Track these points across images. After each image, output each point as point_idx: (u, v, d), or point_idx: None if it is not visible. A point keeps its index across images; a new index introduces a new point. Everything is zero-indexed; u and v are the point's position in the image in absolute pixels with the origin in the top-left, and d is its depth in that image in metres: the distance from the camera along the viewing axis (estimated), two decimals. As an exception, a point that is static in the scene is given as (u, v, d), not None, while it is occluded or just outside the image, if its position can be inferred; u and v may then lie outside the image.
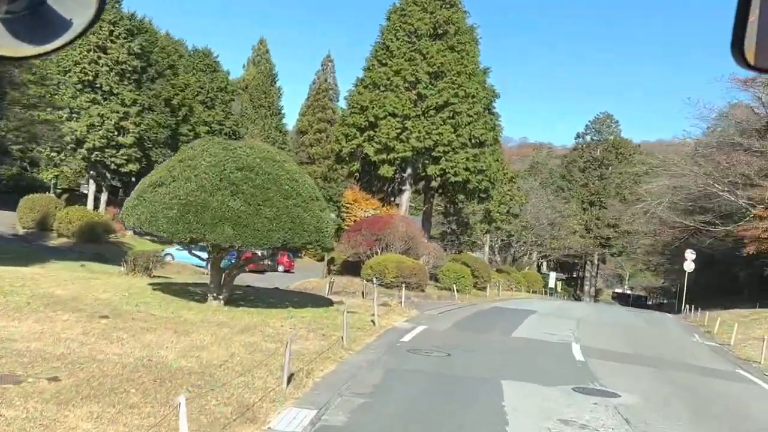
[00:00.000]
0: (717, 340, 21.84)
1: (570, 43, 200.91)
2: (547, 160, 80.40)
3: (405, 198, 33.69)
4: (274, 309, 17.18)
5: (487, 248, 46.45)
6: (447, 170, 31.13)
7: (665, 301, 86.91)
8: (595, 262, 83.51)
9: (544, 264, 76.60)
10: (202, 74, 59.15)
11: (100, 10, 1.38)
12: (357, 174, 34.22)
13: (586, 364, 13.37)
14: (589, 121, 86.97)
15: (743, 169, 33.54)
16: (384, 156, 31.26)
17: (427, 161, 31.98)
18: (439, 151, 31.09)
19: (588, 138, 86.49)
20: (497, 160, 34.33)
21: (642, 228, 61.37)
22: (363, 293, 27.54)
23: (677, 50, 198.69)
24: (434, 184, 32.86)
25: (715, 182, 35.92)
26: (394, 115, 30.97)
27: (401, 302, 20.38)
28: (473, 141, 31.53)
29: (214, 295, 16.91)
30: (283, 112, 74.37)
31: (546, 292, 54.60)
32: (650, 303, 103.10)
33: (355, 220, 41.72)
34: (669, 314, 36.94)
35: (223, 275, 17.20)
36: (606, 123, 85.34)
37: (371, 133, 31.45)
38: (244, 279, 21.62)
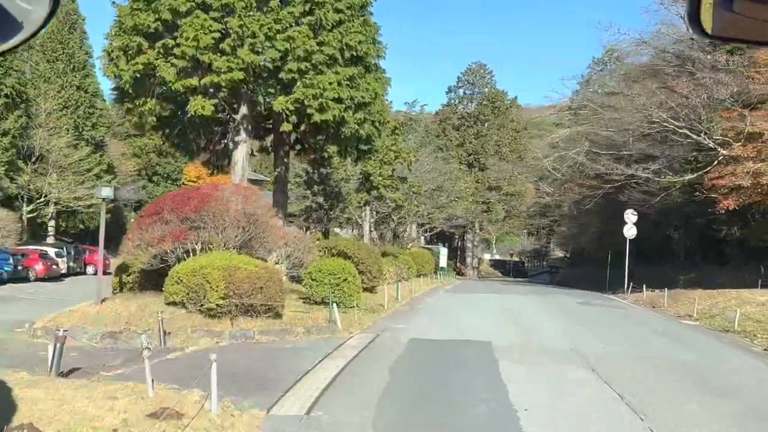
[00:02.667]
0: None
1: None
2: (421, 117, 70.13)
3: (240, 156, 20.35)
4: None
5: (367, 226, 34.51)
6: (307, 103, 18.32)
7: (560, 267, 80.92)
8: (477, 230, 75.24)
9: (422, 238, 67.10)
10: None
11: (54, 8, 1.29)
12: (154, 120, 20.18)
13: None
14: (461, 73, 77.94)
15: (717, 93, 24.19)
16: (194, 81, 17.84)
17: (272, 90, 19.02)
18: (291, 71, 18.04)
19: (461, 92, 77.55)
20: (384, 92, 22.19)
21: (541, 187, 53.28)
22: (161, 336, 14.42)
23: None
24: (287, 127, 19.69)
25: (671, 117, 26.44)
26: (205, 8, 17.63)
27: (209, 397, 7.64)
28: (347, 55, 19.07)
29: None
30: (90, 66, 57.44)
31: (436, 272, 44.47)
32: (526, 267, 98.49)
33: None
34: (621, 300, 27.41)
35: None
36: (479, 74, 76.58)
37: (169, 42, 17.85)
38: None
